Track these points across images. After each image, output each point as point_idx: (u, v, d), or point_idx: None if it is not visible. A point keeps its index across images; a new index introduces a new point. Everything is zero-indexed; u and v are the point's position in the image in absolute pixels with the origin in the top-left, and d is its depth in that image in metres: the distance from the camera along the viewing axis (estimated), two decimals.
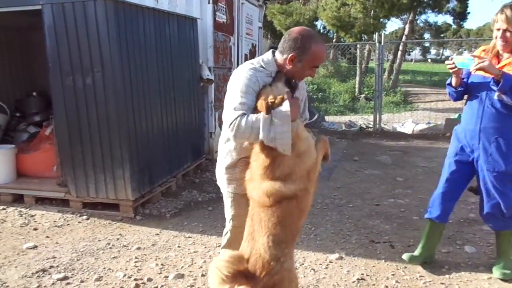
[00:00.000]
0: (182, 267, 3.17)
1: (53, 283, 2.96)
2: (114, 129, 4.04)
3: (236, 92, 2.07)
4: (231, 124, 2.00)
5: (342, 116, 13.96)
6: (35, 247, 3.56)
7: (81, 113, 4.08)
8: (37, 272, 3.11)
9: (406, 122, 9.49)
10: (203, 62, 5.90)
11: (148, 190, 4.47)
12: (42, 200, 4.52)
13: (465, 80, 2.87)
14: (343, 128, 9.54)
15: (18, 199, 4.56)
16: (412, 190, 4.98)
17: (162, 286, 2.92)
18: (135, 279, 3.00)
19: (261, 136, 1.94)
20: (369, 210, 4.37)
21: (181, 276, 3.04)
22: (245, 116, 1.98)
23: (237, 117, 1.99)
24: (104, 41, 3.86)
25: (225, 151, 2.30)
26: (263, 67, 2.14)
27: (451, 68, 2.75)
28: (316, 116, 9.45)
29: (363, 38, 16.77)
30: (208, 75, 5.81)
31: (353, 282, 2.94)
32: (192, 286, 2.88)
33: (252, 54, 7.97)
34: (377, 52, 8.70)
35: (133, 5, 4.17)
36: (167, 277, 3.03)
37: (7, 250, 3.49)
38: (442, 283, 2.91)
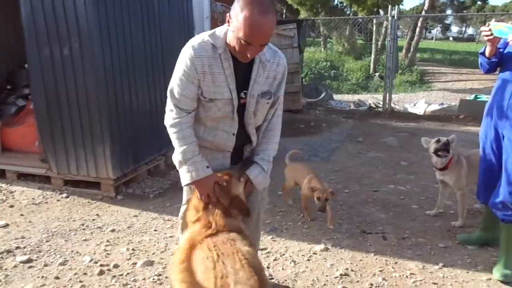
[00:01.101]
0: (153, 253, 2.96)
1: (15, 266, 2.79)
2: (93, 103, 3.79)
3: (176, 75, 1.87)
4: (167, 115, 1.92)
5: (354, 95, 13.50)
6: (6, 225, 3.39)
7: (59, 85, 3.83)
8: (1, 253, 2.94)
9: (418, 103, 9.02)
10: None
11: (132, 169, 4.26)
12: (25, 176, 4.36)
13: (501, 50, 2.57)
14: (352, 107, 9.13)
15: (0, 174, 4.41)
16: (415, 176, 4.64)
17: (127, 273, 2.71)
18: (101, 265, 2.80)
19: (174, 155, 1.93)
20: (366, 197, 4.07)
21: (150, 263, 2.82)
22: (178, 124, 1.88)
23: (172, 111, 1.89)
24: (81, 7, 3.57)
25: None
26: (211, 42, 1.79)
27: (487, 36, 2.46)
28: (323, 94, 9.07)
29: (380, 13, 16.00)
30: None
31: (335, 277, 2.68)
32: (159, 275, 2.67)
33: None
34: (389, 26, 8.17)
35: None
36: (135, 263, 2.82)
37: None
38: (435, 283, 2.62)
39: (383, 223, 3.48)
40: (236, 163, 2.12)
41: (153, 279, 2.65)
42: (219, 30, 1.84)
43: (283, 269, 2.78)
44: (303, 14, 20.09)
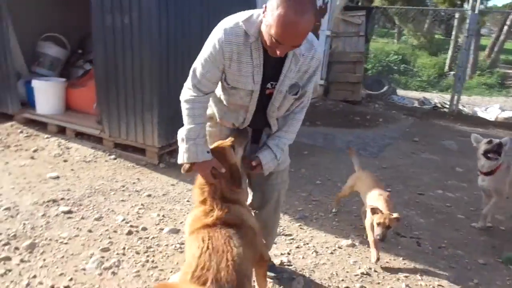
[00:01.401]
0: (181, 222, 3.05)
1: (56, 215, 3.02)
2: (146, 73, 3.93)
3: (203, 55, 1.82)
4: (184, 91, 1.89)
5: (422, 92, 12.71)
6: (57, 177, 3.68)
7: (118, 53, 4.02)
8: (48, 201, 3.20)
9: (491, 107, 8.27)
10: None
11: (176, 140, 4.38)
12: (82, 135, 4.67)
13: None
14: (415, 104, 8.62)
15: (61, 131, 4.75)
16: (469, 185, 4.29)
17: (153, 237, 2.82)
18: (131, 226, 2.94)
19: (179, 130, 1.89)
20: (408, 199, 3.85)
21: (176, 231, 2.92)
22: (192, 102, 1.85)
23: (190, 89, 1.86)
24: None
25: None
26: (244, 29, 1.71)
27: None
28: (385, 88, 8.64)
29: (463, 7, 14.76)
30: None
31: (356, 275, 2.58)
32: (182, 244, 2.75)
33: (321, 12, 7.34)
34: (468, 21, 7.50)
35: None
36: (162, 229, 2.93)
37: (33, 177, 3.65)
38: None
39: (420, 229, 3.28)
40: (255, 142, 2.11)
41: (175, 246, 2.74)
42: (256, 15, 1.72)
43: (303, 258, 2.73)
44: (377, 2, 19.14)
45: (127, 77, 4.05)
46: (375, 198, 2.76)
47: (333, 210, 3.44)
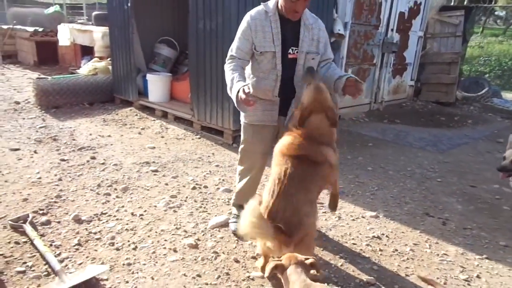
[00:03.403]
0: (234, 186, 3.75)
1: (146, 172, 4.00)
2: None
3: (237, 36, 2.53)
4: (225, 63, 2.54)
5: None
6: (153, 148, 4.72)
7: (206, 51, 4.93)
8: (142, 163, 4.22)
9: None
10: (338, 17, 5.96)
11: None
12: (179, 119, 5.73)
13: None
14: None
15: (165, 115, 5.90)
16: None
17: (210, 193, 3.59)
18: (196, 184, 3.75)
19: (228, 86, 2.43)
20: (457, 189, 3.94)
21: (229, 191, 3.63)
22: (230, 63, 2.49)
23: (228, 58, 2.53)
24: None
25: None
26: (264, 10, 2.44)
27: None
28: (484, 90, 8.17)
29: None
30: (339, 30, 5.87)
31: (367, 237, 2.96)
32: (229, 199, 3.44)
33: (412, 13, 7.39)
34: None
35: None
36: (219, 188, 3.68)
37: (137, 146, 4.76)
38: (463, 267, 2.63)
39: (453, 212, 3.43)
40: (284, 115, 2.67)
41: (224, 200, 3.45)
42: (273, 0, 2.48)
43: (326, 219, 3.20)
44: (501, 2, 17.35)
45: (212, 71, 4.93)
46: None
47: None
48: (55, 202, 3.27)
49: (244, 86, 2.21)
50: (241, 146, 2.87)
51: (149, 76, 6.12)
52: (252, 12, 2.49)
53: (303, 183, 2.15)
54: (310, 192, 2.20)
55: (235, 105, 2.38)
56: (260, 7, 2.49)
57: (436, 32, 8.25)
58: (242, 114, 2.76)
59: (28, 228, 2.78)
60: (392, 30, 6.99)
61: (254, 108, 2.54)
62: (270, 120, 2.66)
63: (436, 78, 8.18)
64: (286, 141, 2.26)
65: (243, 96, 2.17)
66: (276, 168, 2.22)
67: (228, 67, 2.50)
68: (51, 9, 11.24)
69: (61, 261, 2.50)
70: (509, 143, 3.17)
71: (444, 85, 8.11)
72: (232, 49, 2.53)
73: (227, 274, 2.48)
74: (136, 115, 6.01)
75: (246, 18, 2.48)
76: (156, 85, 6.11)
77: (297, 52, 2.50)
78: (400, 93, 7.90)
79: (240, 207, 3.02)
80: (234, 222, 2.99)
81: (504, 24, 26.96)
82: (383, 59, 7.04)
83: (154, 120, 5.79)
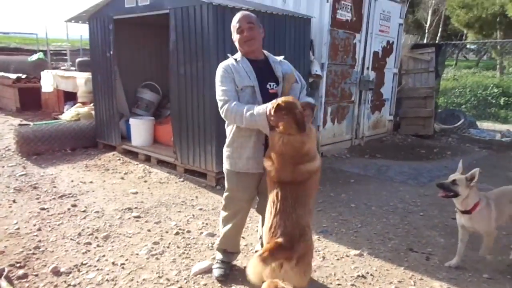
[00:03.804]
0: (218, 230, 3.72)
1: (128, 218, 3.95)
2: (207, 112, 4.82)
3: (217, 84, 2.60)
4: (221, 109, 2.56)
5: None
6: (136, 193, 4.69)
7: (187, 96, 5.02)
8: (125, 209, 4.17)
9: None
10: (314, 59, 6.19)
11: None
12: (162, 162, 5.74)
13: None
14: (497, 137, 8.22)
15: (148, 159, 5.90)
16: None
17: (193, 238, 3.55)
18: (180, 229, 3.72)
19: (244, 121, 2.43)
20: (438, 222, 3.99)
21: (212, 235, 3.60)
22: (230, 104, 2.48)
23: (224, 103, 2.51)
24: (206, 37, 4.66)
25: (227, 133, 2.75)
26: (233, 58, 2.65)
27: None
28: (461, 121, 8.44)
29: None
30: (316, 71, 6.08)
31: (352, 277, 2.94)
32: (212, 243, 3.41)
33: (386, 52, 7.73)
34: None
35: (236, 8, 4.81)
36: (202, 233, 3.65)
37: (119, 191, 4.72)
38: None
39: (436, 246, 3.46)
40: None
41: (208, 245, 3.42)
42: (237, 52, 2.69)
43: None
44: (470, 37, 18.30)
45: (194, 115, 5.00)
46: None
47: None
48: (33, 253, 3.19)
49: (268, 104, 2.34)
50: (226, 194, 2.86)
51: (132, 121, 6.17)
52: (223, 63, 2.63)
53: (297, 200, 2.28)
54: (307, 204, 2.33)
55: (262, 129, 2.43)
56: (228, 59, 2.66)
57: (410, 68, 8.60)
58: (225, 161, 2.78)
59: (3, 283, 2.69)
60: (367, 68, 7.27)
61: (239, 153, 2.65)
62: (255, 168, 2.63)
63: (414, 112, 8.45)
64: (268, 168, 2.38)
65: (273, 110, 2.26)
66: (270, 193, 2.37)
67: (231, 107, 2.47)
68: (34, 57, 11.39)
69: None
70: (458, 168, 3.20)
71: (421, 118, 8.37)
72: (222, 95, 2.54)
73: None
74: (119, 159, 6.00)
75: (220, 66, 2.60)
76: (139, 129, 6.15)
77: (275, 87, 2.59)
78: (380, 128, 8.10)
79: (224, 251, 3.00)
80: (218, 267, 2.95)
81: (476, 57, 28.42)
82: (361, 96, 7.26)
83: (137, 164, 5.77)
